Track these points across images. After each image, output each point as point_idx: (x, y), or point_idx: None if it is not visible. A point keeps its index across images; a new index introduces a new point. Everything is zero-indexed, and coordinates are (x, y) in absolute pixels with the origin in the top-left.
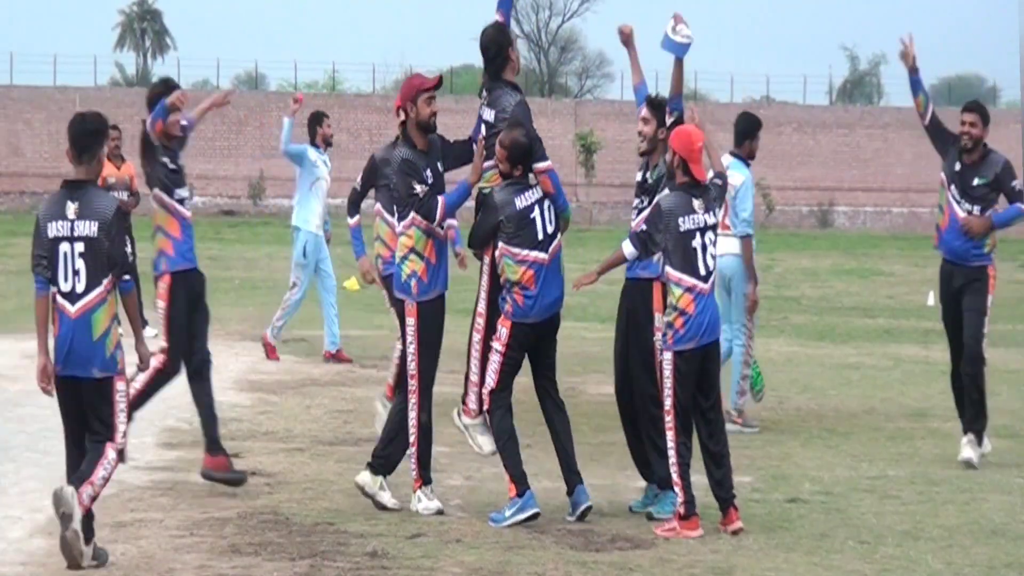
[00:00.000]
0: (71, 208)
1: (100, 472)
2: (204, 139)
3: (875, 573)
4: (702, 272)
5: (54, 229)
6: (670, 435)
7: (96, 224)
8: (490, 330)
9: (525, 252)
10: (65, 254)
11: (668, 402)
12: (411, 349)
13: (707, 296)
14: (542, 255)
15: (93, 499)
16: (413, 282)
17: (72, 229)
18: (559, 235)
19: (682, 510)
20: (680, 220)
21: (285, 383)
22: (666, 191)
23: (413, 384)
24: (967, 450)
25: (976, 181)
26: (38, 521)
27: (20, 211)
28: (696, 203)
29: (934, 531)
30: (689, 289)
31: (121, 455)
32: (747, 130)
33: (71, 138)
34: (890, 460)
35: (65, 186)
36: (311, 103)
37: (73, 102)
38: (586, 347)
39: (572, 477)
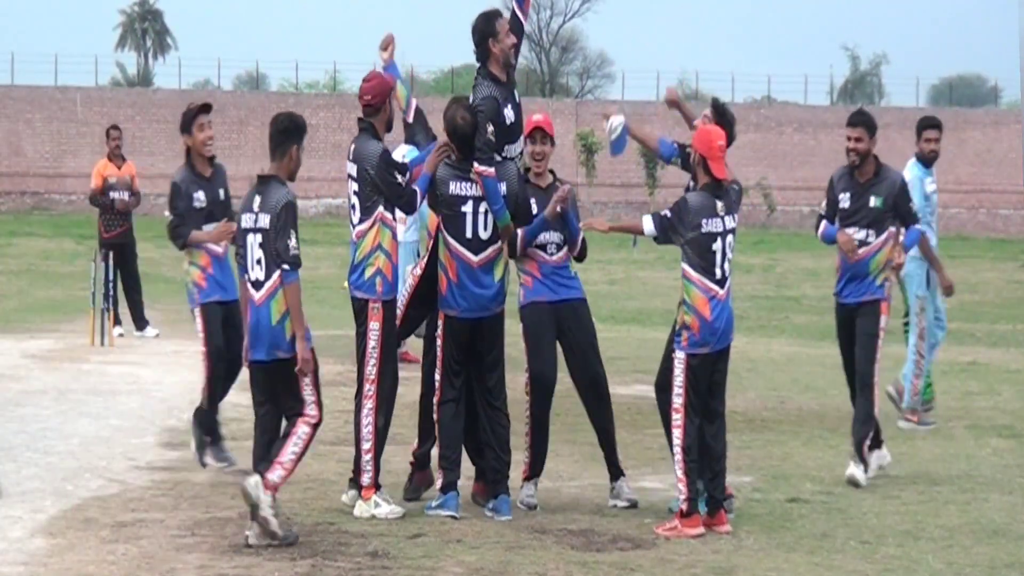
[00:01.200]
0: (256, 201)
1: (290, 449)
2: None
3: (876, 573)
4: (718, 275)
5: (245, 221)
6: (677, 433)
7: (268, 217)
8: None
9: (454, 243)
10: (251, 245)
11: (678, 401)
12: (373, 353)
13: (723, 302)
14: (468, 254)
15: (284, 478)
16: (378, 279)
17: (255, 221)
18: (497, 243)
19: (684, 507)
20: (704, 221)
21: None
22: (687, 204)
23: (371, 389)
24: (850, 467)
25: (872, 202)
26: (39, 521)
27: (21, 211)
28: (719, 205)
29: (935, 531)
30: (705, 291)
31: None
32: (916, 130)
33: (269, 136)
34: (891, 460)
35: (257, 181)
36: (312, 103)
37: (74, 102)
38: None
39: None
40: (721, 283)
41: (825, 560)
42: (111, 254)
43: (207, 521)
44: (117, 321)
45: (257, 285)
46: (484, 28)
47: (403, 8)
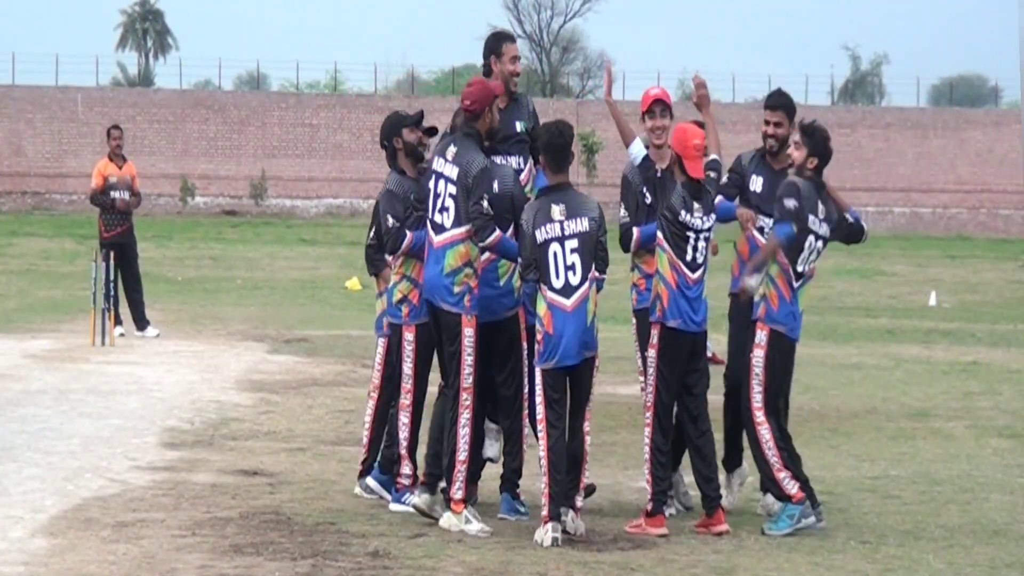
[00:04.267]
0: (557, 211)
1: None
2: (206, 139)
3: (877, 573)
4: (688, 259)
5: (543, 233)
6: (647, 432)
7: (586, 220)
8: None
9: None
10: (555, 254)
11: (649, 399)
12: (469, 361)
13: (692, 286)
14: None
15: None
16: (467, 297)
17: (562, 228)
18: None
19: (649, 507)
20: (682, 212)
21: (287, 383)
22: (678, 185)
23: (468, 399)
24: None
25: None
26: (40, 521)
27: (22, 211)
28: (696, 206)
29: (936, 531)
30: (675, 269)
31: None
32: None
33: (550, 148)
34: (892, 460)
35: (546, 192)
36: (312, 103)
37: (75, 102)
38: None
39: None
40: (693, 268)
41: (826, 560)
42: (112, 254)
43: (208, 521)
44: (118, 321)
45: (569, 291)
46: (489, 44)
47: (404, 8)
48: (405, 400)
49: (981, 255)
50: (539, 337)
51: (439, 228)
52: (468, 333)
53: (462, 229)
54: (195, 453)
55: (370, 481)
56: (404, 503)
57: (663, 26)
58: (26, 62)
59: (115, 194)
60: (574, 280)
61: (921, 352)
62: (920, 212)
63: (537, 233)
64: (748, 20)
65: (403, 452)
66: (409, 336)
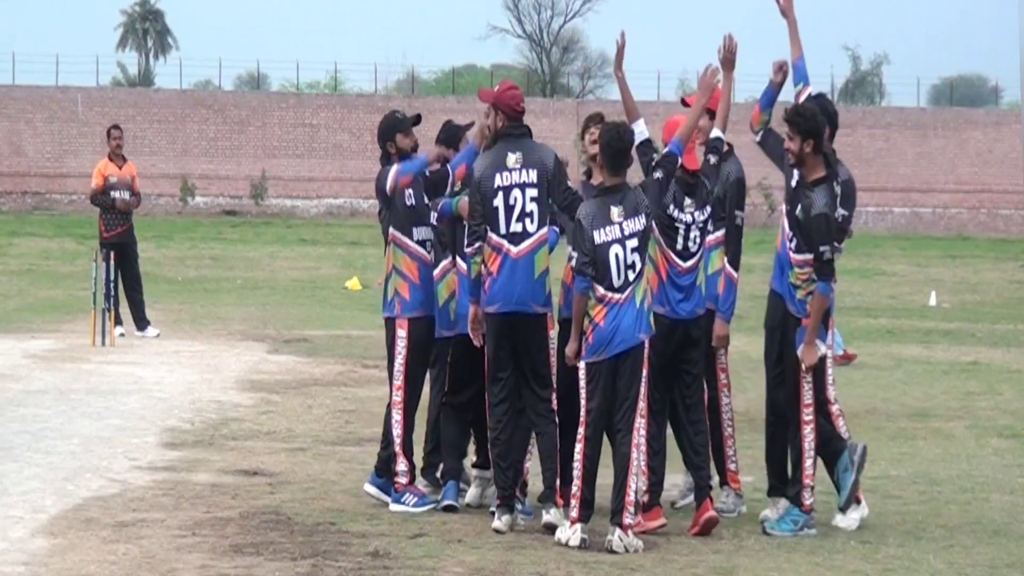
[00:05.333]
0: (616, 212)
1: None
2: (206, 139)
3: (877, 573)
4: (679, 248)
5: (602, 235)
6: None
7: (644, 217)
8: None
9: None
10: (616, 255)
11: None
12: (555, 363)
13: (684, 275)
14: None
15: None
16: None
17: (622, 230)
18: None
19: (645, 500)
20: (671, 207)
21: (287, 383)
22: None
23: (399, 396)
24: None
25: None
26: (40, 521)
27: (22, 211)
28: (687, 201)
29: (936, 531)
30: (666, 258)
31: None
32: None
33: (610, 150)
34: (892, 460)
35: (603, 193)
36: (313, 103)
37: (75, 102)
38: None
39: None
40: (684, 257)
41: (826, 560)
42: (112, 254)
43: (208, 521)
44: (118, 321)
45: (625, 286)
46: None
47: (404, 8)
48: (397, 398)
49: (981, 255)
50: (589, 330)
51: (520, 236)
52: (552, 335)
53: (546, 229)
54: (195, 453)
55: (368, 487)
56: (404, 503)
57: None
58: (26, 62)
59: (115, 194)
60: (632, 276)
61: (921, 352)
62: (920, 212)
63: (596, 234)
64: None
65: (398, 450)
66: (402, 332)
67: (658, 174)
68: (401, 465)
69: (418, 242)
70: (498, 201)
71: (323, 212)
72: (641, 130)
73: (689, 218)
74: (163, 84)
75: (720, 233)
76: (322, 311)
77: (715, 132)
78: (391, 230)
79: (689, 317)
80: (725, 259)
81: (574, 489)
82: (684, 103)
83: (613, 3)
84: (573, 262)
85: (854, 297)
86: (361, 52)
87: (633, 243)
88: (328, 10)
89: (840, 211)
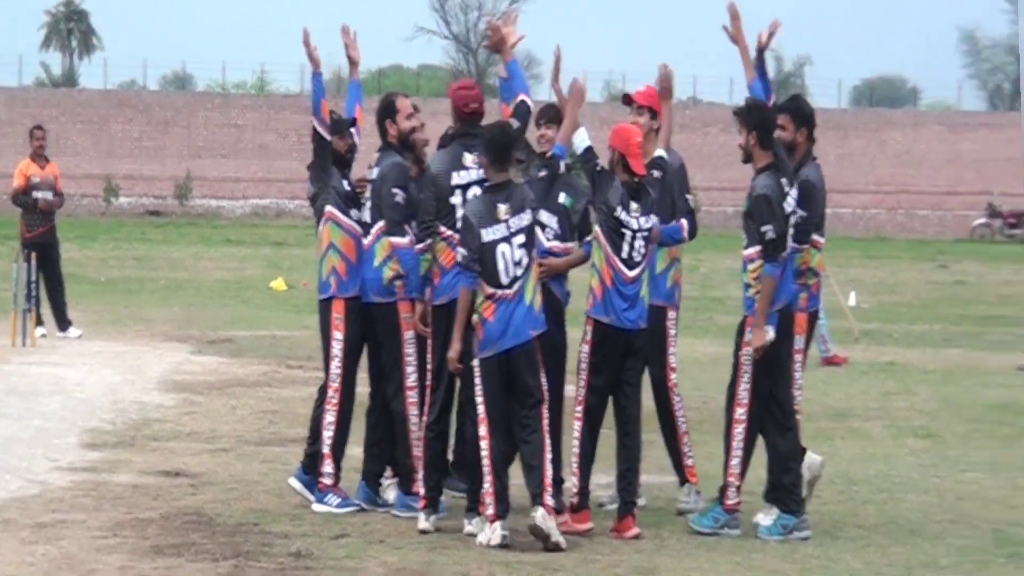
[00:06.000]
0: (503, 209)
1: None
2: (131, 139)
3: (796, 572)
4: (624, 256)
5: (494, 233)
6: (577, 426)
7: (530, 212)
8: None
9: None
10: (503, 253)
11: (581, 394)
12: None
13: (629, 285)
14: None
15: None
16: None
17: (510, 227)
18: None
19: (575, 501)
20: (618, 208)
21: (210, 383)
22: (617, 182)
23: (335, 397)
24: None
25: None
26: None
27: None
28: (634, 205)
29: (853, 531)
30: (611, 265)
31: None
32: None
33: (493, 146)
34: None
35: (489, 190)
36: (239, 103)
37: None
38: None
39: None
40: (630, 266)
41: (746, 560)
42: (33, 254)
43: (129, 522)
44: (39, 322)
45: (513, 283)
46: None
47: (330, 9)
48: (333, 398)
49: (899, 256)
50: (479, 327)
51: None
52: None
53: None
54: (116, 454)
55: (293, 482)
56: (327, 503)
57: (590, 27)
58: None
59: (37, 194)
60: (519, 273)
61: (840, 352)
62: (840, 213)
63: (484, 233)
64: (674, 20)
65: (326, 452)
66: (339, 314)
67: (657, 173)
68: (327, 467)
69: (356, 222)
70: (455, 199)
71: (248, 212)
72: (583, 138)
73: (635, 224)
74: (87, 84)
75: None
76: (247, 312)
77: (659, 151)
78: (328, 207)
79: (632, 327)
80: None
81: (486, 487)
82: (627, 99)
83: (540, 4)
84: (459, 257)
85: None
86: (288, 52)
87: (520, 239)
88: (254, 10)
89: (799, 212)
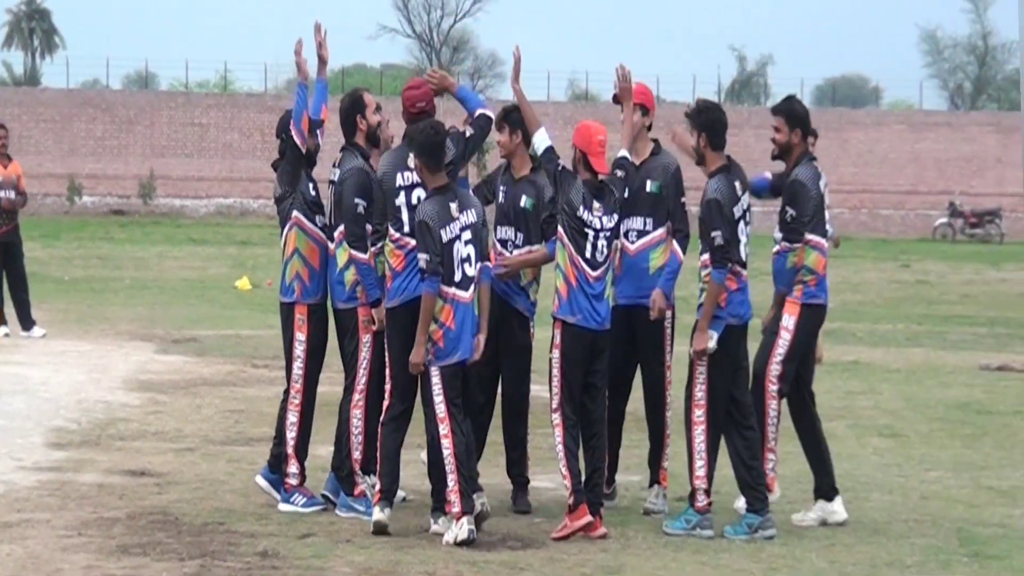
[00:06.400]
0: (453, 207)
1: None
2: (94, 138)
3: (762, 572)
4: (588, 256)
5: (451, 231)
6: (558, 432)
7: (475, 212)
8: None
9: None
10: (457, 250)
11: (555, 401)
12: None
13: (592, 284)
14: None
15: None
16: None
17: (461, 226)
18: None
19: (571, 502)
20: (580, 208)
21: (175, 383)
22: (579, 181)
23: (297, 398)
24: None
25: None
26: None
27: None
28: (596, 204)
29: (818, 530)
30: (575, 265)
31: None
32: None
33: (427, 150)
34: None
35: (436, 192)
36: (202, 102)
37: None
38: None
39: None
40: (592, 265)
41: (712, 559)
42: None
43: (94, 521)
44: (3, 321)
45: (467, 283)
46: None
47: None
48: (295, 398)
49: (862, 255)
50: (439, 334)
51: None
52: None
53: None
54: (82, 453)
55: (259, 480)
56: (293, 503)
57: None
58: None
59: (0, 193)
60: (471, 272)
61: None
62: None
63: (443, 232)
64: (637, 20)
65: (291, 452)
66: (301, 317)
67: (620, 172)
68: (292, 467)
69: (321, 227)
70: (400, 200)
71: (212, 212)
72: (543, 138)
73: (598, 223)
74: (50, 83)
75: (657, 232)
76: (211, 311)
77: (622, 152)
78: (295, 213)
79: (599, 328)
80: (674, 243)
81: (451, 484)
82: (617, 99)
83: (503, 3)
84: (422, 263)
85: None
86: (251, 51)
87: (467, 236)
88: (217, 9)
89: (789, 211)
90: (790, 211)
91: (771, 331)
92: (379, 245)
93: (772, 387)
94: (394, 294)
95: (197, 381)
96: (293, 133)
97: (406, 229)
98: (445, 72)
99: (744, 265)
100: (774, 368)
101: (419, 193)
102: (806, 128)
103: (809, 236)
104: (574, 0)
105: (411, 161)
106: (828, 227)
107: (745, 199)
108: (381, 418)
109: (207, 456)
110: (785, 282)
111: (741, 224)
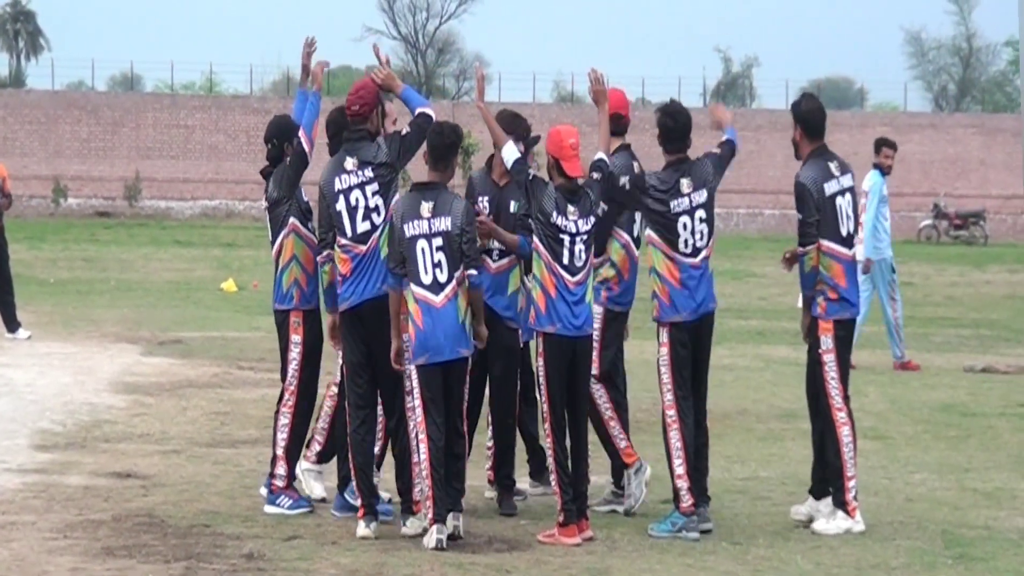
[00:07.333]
0: (426, 207)
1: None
2: (79, 140)
3: (747, 574)
4: (566, 263)
5: (414, 228)
6: (548, 444)
7: (451, 220)
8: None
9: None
10: (423, 250)
11: (545, 407)
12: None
13: (572, 290)
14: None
15: None
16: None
17: (431, 226)
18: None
19: (561, 518)
20: (553, 214)
21: (161, 385)
22: (550, 187)
23: (291, 400)
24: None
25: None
26: None
27: None
28: (571, 208)
29: (804, 532)
30: (553, 272)
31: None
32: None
33: (430, 147)
34: (761, 461)
35: (417, 188)
36: (188, 104)
37: None
38: None
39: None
40: (572, 272)
41: (698, 561)
42: None
43: (80, 524)
44: None
45: (437, 287)
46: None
47: (279, 10)
48: (289, 401)
49: None
50: (411, 333)
51: (367, 235)
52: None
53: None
54: (67, 455)
55: (263, 491)
56: (278, 505)
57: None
58: None
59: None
60: (441, 277)
61: (790, 353)
62: (789, 214)
63: (406, 228)
64: (622, 22)
65: (280, 453)
66: (297, 320)
67: (596, 175)
68: (280, 468)
69: (313, 231)
70: (340, 205)
71: (198, 214)
72: (512, 152)
73: (573, 227)
74: (35, 85)
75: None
76: (197, 313)
77: (599, 154)
78: (292, 219)
79: (579, 334)
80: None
81: (426, 490)
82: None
83: (488, 5)
84: (388, 260)
85: (726, 298)
86: (236, 53)
87: (438, 241)
88: (203, 11)
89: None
90: (797, 213)
91: (812, 353)
92: (325, 253)
93: (840, 415)
94: (344, 298)
95: (183, 383)
96: (303, 140)
97: (349, 233)
98: (391, 72)
99: (846, 242)
100: (834, 395)
101: (357, 195)
102: (807, 126)
103: (822, 241)
104: (559, 1)
105: (348, 164)
106: (854, 242)
107: (845, 180)
108: (347, 430)
109: (193, 458)
110: (808, 286)
111: (838, 199)
